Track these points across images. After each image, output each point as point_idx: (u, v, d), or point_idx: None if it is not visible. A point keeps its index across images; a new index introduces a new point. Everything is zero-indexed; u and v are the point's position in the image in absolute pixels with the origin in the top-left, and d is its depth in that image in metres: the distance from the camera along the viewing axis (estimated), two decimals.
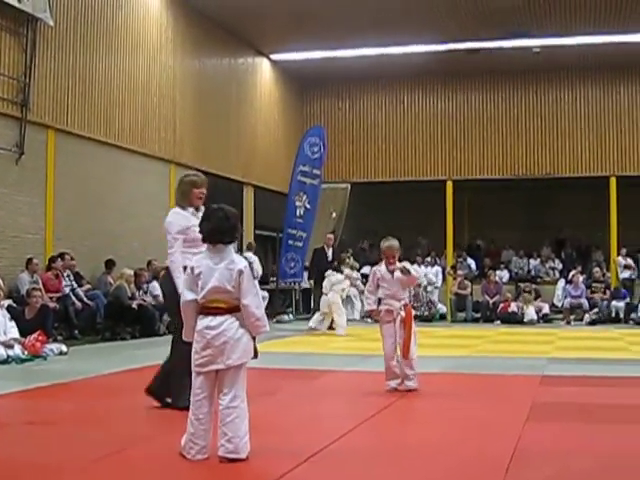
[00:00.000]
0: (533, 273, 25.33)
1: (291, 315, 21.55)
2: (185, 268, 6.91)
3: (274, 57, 23.78)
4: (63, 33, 15.13)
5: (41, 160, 14.62)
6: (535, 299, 21.60)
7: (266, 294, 19.16)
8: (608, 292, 21.58)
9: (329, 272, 17.35)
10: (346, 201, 25.07)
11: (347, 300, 20.80)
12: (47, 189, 14.70)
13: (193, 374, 5.20)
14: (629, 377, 9.52)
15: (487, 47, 21.84)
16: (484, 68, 24.14)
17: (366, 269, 21.85)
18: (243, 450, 5.02)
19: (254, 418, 5.22)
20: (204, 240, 5.27)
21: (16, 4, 13.55)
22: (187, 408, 6.62)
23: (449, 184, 24.70)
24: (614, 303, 20.99)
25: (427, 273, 23.04)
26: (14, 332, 11.29)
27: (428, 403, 7.80)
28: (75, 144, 15.44)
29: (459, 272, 23.16)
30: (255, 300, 5.17)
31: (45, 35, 14.60)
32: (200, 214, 7.09)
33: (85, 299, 14.77)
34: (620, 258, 23.31)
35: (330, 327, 17.13)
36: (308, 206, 21.33)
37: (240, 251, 19.08)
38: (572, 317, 20.80)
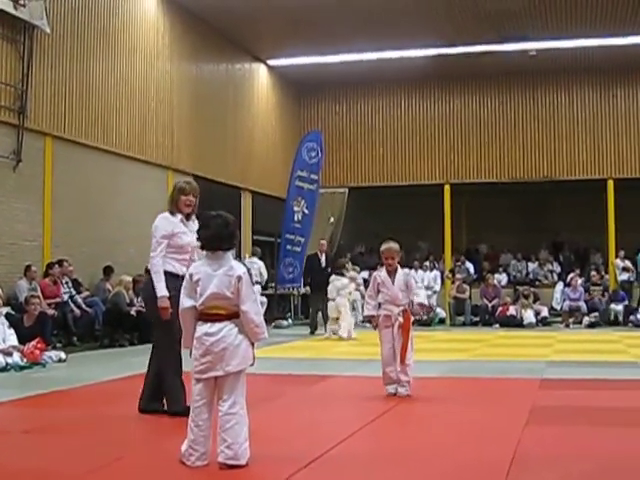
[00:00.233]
0: (531, 276, 25.32)
1: (290, 320, 21.53)
2: (166, 273, 6.95)
3: (271, 62, 23.80)
4: (60, 40, 15.13)
5: (39, 167, 14.62)
6: (534, 302, 21.60)
7: (264, 299, 19.16)
8: (607, 294, 21.59)
9: (333, 277, 17.41)
10: (344, 206, 25.08)
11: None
12: (45, 196, 14.69)
13: (192, 381, 5.19)
14: (628, 380, 9.52)
15: (483, 50, 21.86)
16: (481, 72, 24.17)
17: (364, 274, 21.87)
18: (243, 456, 5.02)
19: (254, 424, 5.22)
20: (203, 247, 5.28)
21: (13, 12, 13.55)
22: (182, 412, 6.67)
23: (447, 188, 24.72)
24: (612, 306, 20.99)
25: (424, 278, 23.02)
26: (13, 339, 11.28)
27: (427, 407, 7.79)
28: (72, 151, 15.44)
29: (457, 276, 23.14)
30: (254, 306, 5.17)
31: (42, 42, 14.60)
32: (191, 223, 7.12)
33: (83, 306, 14.75)
34: (618, 260, 23.32)
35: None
36: (306, 211, 21.34)
37: (238, 257, 19.11)
38: (571, 320, 20.79)
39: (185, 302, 5.26)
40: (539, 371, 10.41)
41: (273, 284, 21.40)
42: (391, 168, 25.56)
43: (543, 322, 21.07)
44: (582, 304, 21.06)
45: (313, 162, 21.60)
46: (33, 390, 8.73)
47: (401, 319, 8.13)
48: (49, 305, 13.67)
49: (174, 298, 6.93)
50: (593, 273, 22.47)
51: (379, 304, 8.32)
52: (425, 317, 21.25)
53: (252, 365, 5.22)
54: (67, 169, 15.22)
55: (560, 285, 22.93)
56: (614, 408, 7.50)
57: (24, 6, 13.67)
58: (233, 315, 5.14)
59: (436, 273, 23.69)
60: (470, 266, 24.82)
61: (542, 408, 7.39)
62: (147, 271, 7.11)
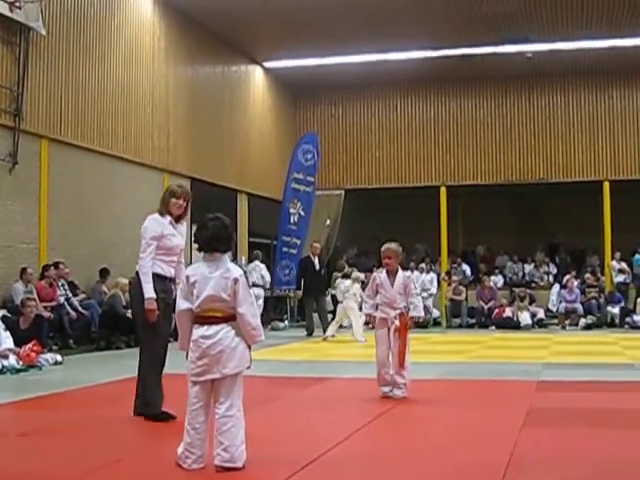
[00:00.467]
0: (527, 278, 25.34)
1: (286, 322, 21.53)
2: (153, 275, 6.95)
3: (267, 65, 23.80)
4: (56, 42, 15.12)
5: (35, 170, 14.60)
6: (530, 304, 21.61)
7: (260, 302, 19.25)
8: (602, 296, 21.60)
9: (338, 280, 17.50)
10: (340, 208, 25.08)
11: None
12: (41, 198, 14.68)
13: (189, 383, 5.19)
14: (625, 382, 9.53)
15: (479, 53, 21.87)
16: (477, 74, 24.19)
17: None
18: (239, 459, 5.01)
19: (250, 426, 5.21)
20: (200, 249, 5.27)
21: (8, 13, 13.53)
22: (155, 416, 6.68)
23: (443, 190, 24.73)
24: (609, 308, 21.01)
25: (420, 280, 23.03)
26: (9, 342, 11.27)
27: (424, 410, 7.79)
28: (68, 153, 15.43)
29: (454, 278, 23.17)
30: (251, 309, 5.17)
31: (38, 44, 14.59)
32: (179, 226, 7.13)
33: (80, 308, 14.73)
34: (614, 262, 23.33)
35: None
36: (302, 213, 21.34)
37: (235, 260, 19.12)
38: (567, 322, 20.81)
39: (181, 304, 5.26)
40: (535, 373, 10.41)
41: (269, 286, 21.40)
42: (387, 170, 25.57)
43: (539, 324, 21.09)
44: (578, 306, 21.07)
45: (309, 164, 21.61)
46: (29, 393, 8.72)
47: (397, 322, 8.13)
48: (45, 308, 13.65)
49: (161, 300, 6.95)
50: (588, 275, 22.49)
51: (376, 305, 8.33)
52: (421, 319, 21.24)
53: (249, 368, 5.22)
54: (63, 171, 15.21)
55: (556, 287, 22.94)
56: (611, 410, 7.50)
57: (20, 8, 13.65)
58: (230, 318, 5.13)
59: (432, 275, 23.69)
60: (466, 268, 24.84)
61: (539, 410, 7.39)
62: (137, 273, 7.09)
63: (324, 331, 17.96)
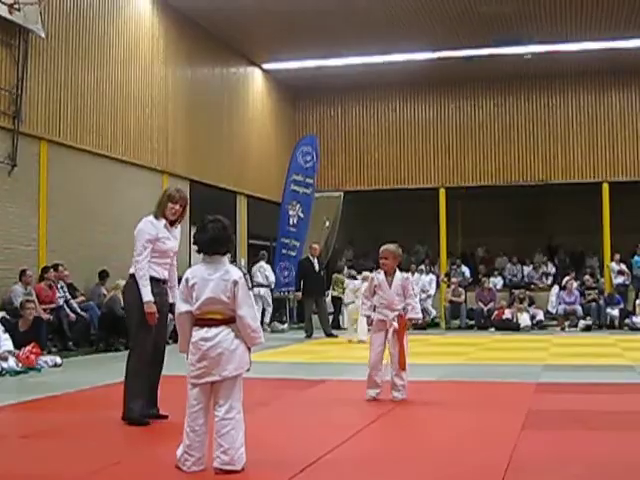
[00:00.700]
0: (527, 280, 25.34)
1: (285, 324, 21.54)
2: (152, 279, 6.95)
3: (266, 66, 23.80)
4: (55, 45, 15.12)
5: (33, 172, 14.60)
6: (529, 306, 21.61)
7: (268, 293, 19.56)
8: (602, 298, 21.60)
9: (347, 281, 17.53)
10: (339, 210, 25.08)
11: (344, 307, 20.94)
12: (40, 201, 14.67)
13: (188, 386, 5.18)
14: (624, 383, 9.52)
15: (479, 54, 21.88)
16: (475, 75, 24.20)
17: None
18: (239, 462, 5.01)
19: (249, 429, 5.21)
20: (199, 251, 5.27)
21: (7, 16, 13.53)
22: (131, 420, 6.67)
23: (442, 192, 24.73)
24: (608, 310, 21.01)
25: (419, 280, 23.04)
26: (8, 344, 11.26)
27: (423, 411, 7.79)
28: (67, 156, 15.42)
29: (453, 279, 23.18)
30: (250, 311, 5.17)
31: (37, 47, 14.59)
32: (175, 230, 7.13)
33: (79, 310, 14.73)
34: (614, 264, 23.33)
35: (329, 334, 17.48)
36: (301, 215, 21.36)
37: (234, 262, 19.13)
38: (566, 323, 20.81)
39: (181, 307, 5.26)
40: (535, 375, 10.41)
41: (273, 287, 21.43)
42: (386, 172, 25.57)
43: (539, 325, 21.09)
44: (578, 307, 21.08)
45: (308, 166, 21.63)
46: (29, 395, 8.71)
47: (396, 324, 8.13)
48: (44, 310, 13.65)
49: (156, 305, 6.96)
50: (587, 277, 22.49)
51: (374, 307, 8.34)
52: (420, 321, 21.25)
53: (248, 370, 5.22)
54: (62, 174, 15.21)
55: (555, 288, 22.93)
56: (610, 412, 7.50)
57: (19, 10, 13.65)
58: (229, 320, 5.13)
59: (431, 277, 23.70)
60: (466, 270, 24.84)
61: (538, 412, 7.39)
62: (131, 275, 7.09)
63: (325, 332, 18.00)
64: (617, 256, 23.32)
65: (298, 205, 21.29)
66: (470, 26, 20.10)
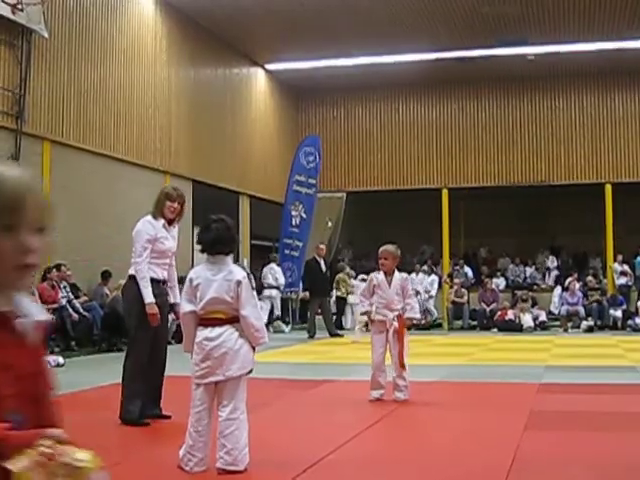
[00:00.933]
0: (529, 281, 25.33)
1: (288, 324, 21.53)
2: (151, 280, 6.95)
3: (269, 67, 23.81)
4: (58, 45, 15.13)
5: (36, 172, 14.59)
6: (532, 307, 21.60)
7: (277, 294, 19.63)
8: (605, 299, 21.57)
9: (355, 282, 17.56)
10: (342, 210, 25.08)
11: (348, 307, 20.98)
12: None
13: (192, 386, 5.18)
14: (627, 384, 9.51)
15: (481, 55, 21.88)
16: (478, 76, 24.19)
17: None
18: (242, 462, 5.00)
19: (252, 429, 5.21)
20: (203, 250, 5.28)
21: (10, 16, 13.54)
22: (130, 421, 6.67)
23: (444, 192, 24.72)
24: (611, 311, 20.99)
25: (423, 280, 23.05)
26: None
27: (425, 412, 7.79)
28: (70, 156, 15.43)
29: (456, 280, 23.17)
30: (254, 311, 5.17)
31: (40, 47, 14.60)
32: (173, 230, 7.13)
33: (82, 311, 14.74)
34: (616, 265, 23.32)
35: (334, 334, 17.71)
36: (304, 215, 21.35)
37: (236, 262, 19.12)
38: (569, 324, 20.80)
39: (185, 307, 5.26)
40: (537, 375, 10.40)
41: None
42: (389, 172, 25.57)
43: (541, 326, 21.07)
44: (580, 308, 21.06)
45: (311, 166, 21.63)
46: None
47: (396, 324, 8.15)
48: (47, 310, 13.65)
49: (156, 306, 6.96)
50: (590, 278, 22.47)
51: (371, 305, 8.35)
52: (423, 322, 21.27)
53: (251, 371, 5.21)
54: (65, 174, 15.21)
55: (558, 289, 22.93)
56: (613, 413, 7.49)
57: (22, 10, 13.66)
58: (233, 319, 5.13)
59: (433, 277, 23.67)
60: (468, 270, 24.83)
61: (540, 413, 7.38)
62: (130, 277, 7.09)
63: (329, 333, 18.02)
64: (620, 257, 23.32)
65: (301, 205, 21.28)
66: (473, 27, 20.10)
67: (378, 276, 8.36)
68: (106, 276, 15.80)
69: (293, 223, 21.18)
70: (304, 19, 19.48)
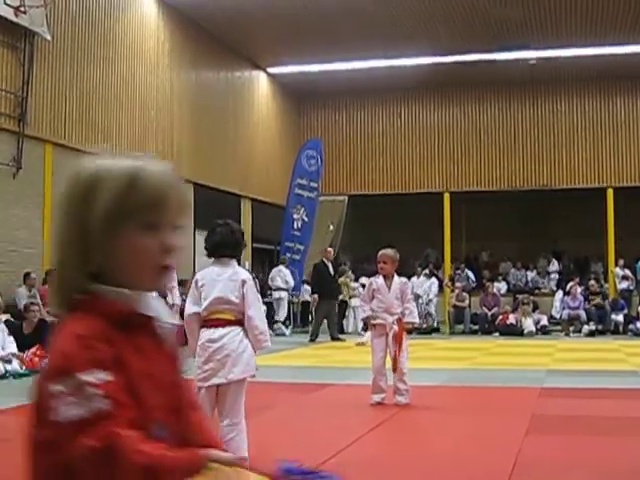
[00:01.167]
0: (531, 285, 25.30)
1: (289, 327, 21.52)
2: None
3: (271, 70, 23.83)
4: (60, 47, 15.14)
5: (38, 174, 14.61)
6: (533, 311, 21.57)
7: (286, 296, 19.93)
8: (607, 302, 21.55)
9: (357, 286, 17.54)
10: (343, 214, 25.09)
11: (350, 311, 20.96)
12: (44, 203, 14.69)
13: (195, 389, 5.16)
14: (628, 389, 9.51)
15: (483, 59, 21.88)
16: (480, 80, 24.19)
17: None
18: None
19: (252, 433, 5.20)
20: (209, 255, 5.28)
21: (13, 18, 13.55)
22: None
23: (446, 196, 24.72)
24: (612, 315, 20.96)
25: (423, 284, 23.01)
26: (12, 347, 11.27)
27: (427, 416, 7.78)
28: (73, 158, 15.36)
29: (457, 284, 23.13)
30: (259, 313, 5.16)
31: (42, 49, 14.61)
32: None
33: None
34: (618, 269, 23.30)
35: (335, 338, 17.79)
36: (306, 219, 21.35)
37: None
38: (571, 329, 20.77)
39: (190, 308, 5.25)
40: (539, 380, 10.39)
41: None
42: (391, 176, 25.57)
43: (543, 331, 21.04)
44: (582, 313, 21.03)
45: (313, 170, 21.64)
46: None
47: (396, 327, 8.15)
48: (49, 312, 13.64)
49: None
50: (592, 282, 22.44)
51: (372, 311, 8.36)
52: (425, 325, 21.26)
53: (254, 377, 5.19)
54: (67, 176, 15.19)
55: (559, 294, 22.91)
56: (614, 417, 7.48)
57: (25, 13, 13.67)
58: (236, 321, 5.11)
59: (432, 281, 23.58)
60: (470, 274, 24.80)
61: (542, 417, 7.38)
62: None
63: (331, 337, 18.00)
64: (621, 261, 23.31)
65: (302, 209, 21.29)
66: (475, 31, 20.11)
67: (377, 280, 8.39)
68: None
69: (295, 226, 21.19)
70: (306, 23, 19.49)
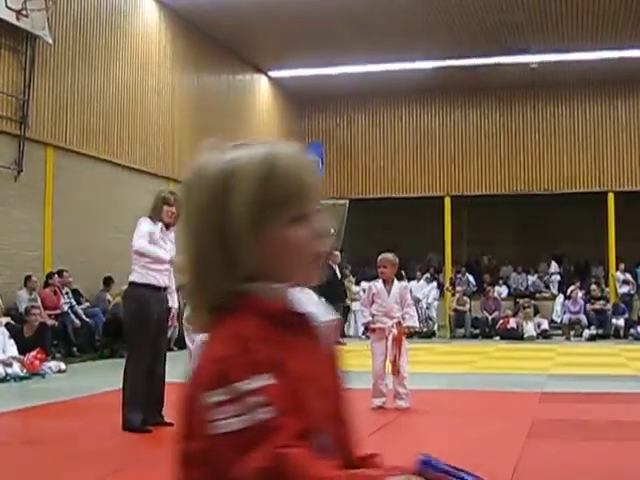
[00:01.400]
0: (532, 289, 25.29)
1: None
2: (148, 285, 6.94)
3: (272, 74, 23.84)
4: (62, 51, 15.15)
5: (40, 177, 14.62)
6: (534, 315, 21.57)
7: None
8: (609, 306, 21.53)
9: (359, 289, 17.55)
10: (344, 217, 25.07)
11: (351, 315, 20.95)
12: (45, 206, 14.69)
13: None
14: (629, 393, 9.50)
15: (484, 63, 21.88)
16: (482, 84, 24.18)
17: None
18: None
19: None
20: None
21: (15, 22, 13.56)
22: (133, 430, 6.65)
23: (447, 200, 24.72)
24: (613, 320, 20.96)
25: (424, 287, 23.01)
26: (13, 350, 11.27)
27: (427, 420, 7.77)
28: (74, 161, 15.44)
29: (458, 288, 23.13)
30: None
31: (44, 53, 14.62)
32: (169, 233, 7.14)
33: (84, 317, 14.73)
34: (619, 273, 23.30)
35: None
36: None
37: None
38: (571, 333, 20.77)
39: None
40: (540, 384, 10.39)
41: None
42: (392, 180, 25.56)
43: (544, 335, 21.04)
44: (582, 317, 21.03)
45: None
46: (33, 401, 8.71)
47: (395, 331, 8.16)
48: (49, 315, 13.66)
49: (156, 312, 6.95)
50: (593, 287, 22.41)
51: (372, 316, 8.37)
52: (425, 329, 21.26)
53: None
54: (68, 179, 15.22)
55: (560, 298, 22.90)
56: (615, 422, 7.47)
57: (26, 16, 13.68)
58: None
59: (432, 285, 23.57)
60: (470, 278, 24.79)
61: (543, 421, 7.37)
62: (130, 283, 7.10)
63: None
64: (622, 266, 23.30)
65: None
66: (476, 35, 20.11)
67: (377, 284, 8.41)
68: (108, 282, 15.80)
69: None
70: (308, 27, 19.49)
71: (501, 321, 21.26)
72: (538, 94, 24.66)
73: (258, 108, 23.62)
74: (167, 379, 7.17)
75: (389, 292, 8.30)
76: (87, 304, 15.29)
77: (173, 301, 7.26)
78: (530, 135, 24.74)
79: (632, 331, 20.32)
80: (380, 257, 8.50)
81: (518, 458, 5.66)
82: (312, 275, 1.48)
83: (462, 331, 22.04)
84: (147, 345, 6.92)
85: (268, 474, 1.23)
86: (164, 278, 7.11)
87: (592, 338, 20.24)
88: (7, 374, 10.65)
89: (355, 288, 20.96)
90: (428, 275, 23.95)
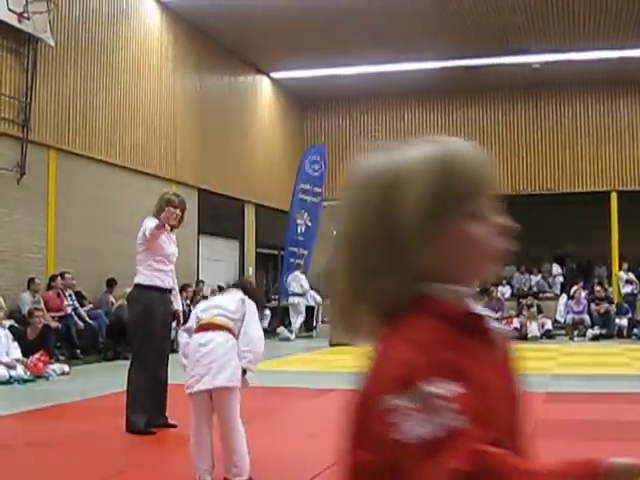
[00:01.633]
0: (535, 289, 25.25)
1: (293, 332, 21.51)
2: (153, 287, 6.98)
3: (274, 75, 23.84)
4: (64, 53, 15.16)
5: (42, 180, 14.62)
6: (537, 315, 21.55)
7: (303, 301, 19.94)
8: (613, 306, 21.50)
9: None
10: None
11: None
12: (48, 209, 14.70)
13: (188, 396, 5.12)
14: (633, 393, 9.48)
15: (486, 63, 21.87)
16: (484, 84, 24.18)
17: None
18: (247, 471, 4.97)
19: (255, 437, 5.19)
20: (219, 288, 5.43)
21: (17, 24, 13.57)
22: (137, 432, 6.65)
23: None
24: (617, 320, 20.93)
25: None
26: (16, 352, 11.28)
27: None
28: (76, 164, 15.45)
29: None
30: (257, 333, 5.13)
31: (46, 55, 14.63)
32: (173, 236, 7.16)
33: (87, 319, 14.73)
34: (622, 273, 23.27)
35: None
36: (309, 224, 21.35)
37: (242, 272, 19.13)
38: (575, 333, 20.75)
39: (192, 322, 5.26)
40: (543, 384, 10.36)
41: (277, 296, 21.41)
42: None
43: (547, 335, 21.02)
44: (586, 317, 21.01)
45: (316, 175, 21.64)
46: (36, 403, 8.71)
47: None
48: (52, 318, 13.65)
49: (160, 314, 6.95)
50: (597, 288, 22.38)
51: None
52: None
53: (246, 386, 5.14)
54: (71, 182, 15.23)
55: (564, 298, 22.87)
56: (619, 422, 7.47)
57: (28, 19, 13.70)
58: (227, 329, 5.04)
59: None
60: None
61: (547, 422, 7.35)
62: (136, 285, 7.11)
63: (330, 342, 17.98)
64: (625, 265, 23.27)
65: (306, 214, 21.29)
66: (478, 36, 20.10)
67: None
68: (111, 284, 15.80)
69: (298, 231, 21.19)
70: (310, 28, 19.49)
71: (504, 321, 21.22)
72: (540, 94, 24.65)
73: (260, 109, 23.63)
74: (170, 381, 7.17)
75: None
76: (90, 306, 15.28)
77: (177, 303, 7.27)
78: (532, 135, 24.73)
79: (635, 331, 20.30)
80: None
81: None
82: (490, 274, 1.46)
83: None
84: (151, 348, 6.92)
85: (468, 476, 1.15)
86: (169, 279, 7.12)
87: (595, 338, 20.22)
88: (11, 376, 10.65)
89: None
90: None
